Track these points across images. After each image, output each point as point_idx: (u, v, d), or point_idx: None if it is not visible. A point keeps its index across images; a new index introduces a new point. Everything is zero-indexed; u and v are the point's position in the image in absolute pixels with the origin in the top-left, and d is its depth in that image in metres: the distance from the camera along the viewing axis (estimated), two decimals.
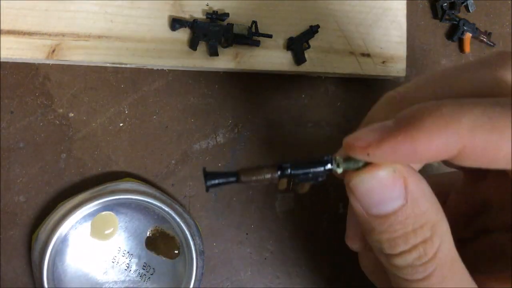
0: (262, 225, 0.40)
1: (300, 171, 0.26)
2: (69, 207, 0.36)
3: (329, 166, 0.26)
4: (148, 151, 0.39)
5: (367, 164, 0.25)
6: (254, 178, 0.25)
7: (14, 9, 0.36)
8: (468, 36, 0.43)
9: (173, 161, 0.39)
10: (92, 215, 0.36)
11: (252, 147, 0.40)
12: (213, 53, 0.38)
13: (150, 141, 0.39)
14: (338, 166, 0.26)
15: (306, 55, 0.39)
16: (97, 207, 0.36)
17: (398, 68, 0.40)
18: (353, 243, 0.34)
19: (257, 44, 0.38)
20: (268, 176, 0.26)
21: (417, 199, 0.25)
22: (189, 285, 0.36)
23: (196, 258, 0.36)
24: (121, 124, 0.39)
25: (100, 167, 0.38)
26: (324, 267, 0.41)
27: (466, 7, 0.44)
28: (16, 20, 0.36)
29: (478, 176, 0.31)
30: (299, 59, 0.39)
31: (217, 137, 0.40)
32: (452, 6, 0.43)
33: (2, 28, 0.36)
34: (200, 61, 0.38)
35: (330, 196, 0.41)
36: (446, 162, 0.29)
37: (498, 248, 0.29)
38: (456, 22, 0.43)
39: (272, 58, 0.39)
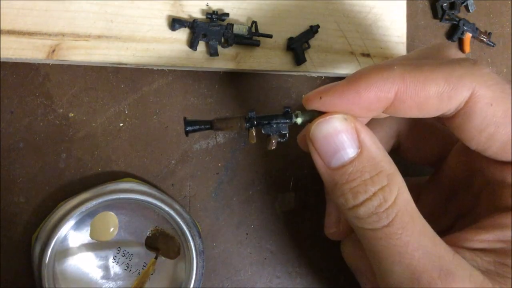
0: (262, 225, 0.40)
1: (265, 121, 0.30)
2: (69, 207, 0.35)
3: (289, 120, 0.30)
4: (148, 151, 0.39)
5: (322, 115, 0.29)
6: (225, 126, 0.30)
7: (14, 9, 0.36)
8: (468, 36, 0.43)
9: (173, 161, 0.39)
10: (92, 215, 0.36)
11: (252, 147, 0.40)
12: (213, 53, 0.38)
13: (150, 141, 0.39)
14: (296, 116, 0.30)
15: (306, 55, 0.39)
16: (97, 207, 0.36)
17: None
18: (330, 229, 0.36)
19: (257, 44, 0.38)
20: (238, 125, 0.30)
21: (370, 148, 0.28)
22: (189, 285, 0.36)
23: (196, 258, 0.36)
24: (121, 124, 0.39)
25: (100, 167, 0.38)
26: (324, 267, 0.41)
27: (466, 7, 0.44)
28: (16, 20, 0.36)
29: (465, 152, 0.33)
30: (299, 59, 0.39)
31: (217, 137, 0.40)
32: (452, 6, 0.43)
33: (2, 28, 0.36)
34: (200, 61, 0.38)
35: None
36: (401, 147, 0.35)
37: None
38: (456, 22, 0.43)
39: (272, 58, 0.39)
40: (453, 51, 0.31)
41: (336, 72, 0.40)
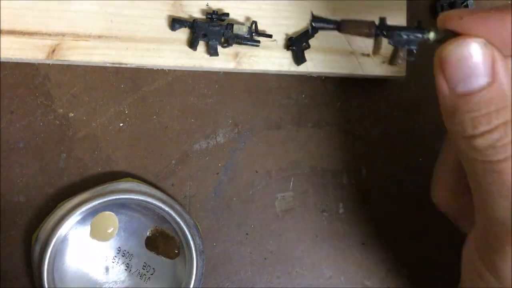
0: (262, 225, 0.40)
1: (396, 32, 0.28)
2: (69, 207, 0.36)
3: (422, 35, 0.28)
4: (148, 151, 0.39)
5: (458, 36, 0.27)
6: (353, 29, 0.29)
7: (14, 9, 0.36)
8: None
9: (173, 161, 0.39)
10: (92, 215, 0.36)
11: (252, 147, 0.40)
12: (213, 53, 0.38)
13: (150, 141, 0.39)
14: (429, 32, 0.28)
15: (306, 55, 0.39)
16: (97, 207, 0.36)
17: (398, 68, 0.40)
18: (438, 194, 0.35)
19: (257, 44, 0.38)
20: (366, 30, 0.28)
21: (503, 80, 0.26)
22: (189, 285, 0.36)
23: (196, 258, 0.36)
24: (121, 124, 0.39)
25: (100, 167, 0.38)
26: (324, 267, 0.41)
27: (466, 7, 0.44)
28: (16, 20, 0.36)
29: None
30: (299, 59, 0.39)
31: (217, 137, 0.40)
32: (452, 6, 0.43)
33: (2, 28, 0.36)
34: (200, 61, 0.38)
35: (330, 196, 0.41)
36: None
37: None
38: None
39: (272, 58, 0.39)
40: None
41: (336, 72, 0.40)
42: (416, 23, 0.28)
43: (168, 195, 0.38)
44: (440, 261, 0.41)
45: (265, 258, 0.40)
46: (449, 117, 0.28)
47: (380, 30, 0.28)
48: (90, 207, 0.35)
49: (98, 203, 0.35)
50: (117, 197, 0.36)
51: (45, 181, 0.38)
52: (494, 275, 0.28)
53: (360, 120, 0.42)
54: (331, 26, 0.29)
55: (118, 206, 0.37)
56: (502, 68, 0.27)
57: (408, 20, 0.41)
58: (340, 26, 0.29)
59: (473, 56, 0.26)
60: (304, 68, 0.39)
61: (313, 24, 0.29)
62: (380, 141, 0.42)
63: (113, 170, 0.38)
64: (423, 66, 0.42)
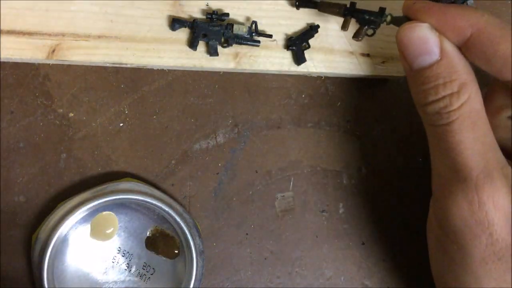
0: (262, 225, 0.40)
1: (360, 13, 0.36)
2: (69, 207, 0.36)
3: (381, 18, 0.35)
4: (148, 151, 0.39)
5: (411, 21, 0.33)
6: (328, 8, 0.37)
7: (14, 9, 0.36)
8: None
9: (173, 161, 0.39)
10: (92, 215, 0.36)
11: (252, 147, 0.40)
12: (213, 53, 0.38)
13: (150, 141, 0.39)
14: (386, 16, 0.35)
15: (306, 55, 0.39)
16: (97, 207, 0.36)
17: (398, 68, 0.40)
18: None
19: (257, 44, 0.38)
20: (337, 10, 0.36)
21: (450, 57, 0.32)
22: (189, 285, 0.36)
23: (196, 258, 0.36)
24: (121, 124, 0.39)
25: (100, 167, 0.38)
26: (324, 267, 0.41)
27: None
28: (16, 20, 0.36)
29: None
30: (299, 59, 0.39)
31: (217, 137, 0.40)
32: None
33: (2, 28, 0.36)
34: (200, 61, 0.38)
35: (330, 196, 0.41)
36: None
37: None
38: None
39: (272, 58, 0.39)
40: None
41: (336, 72, 0.40)
42: (378, 8, 0.35)
43: (168, 195, 0.38)
44: None
45: (265, 258, 0.40)
46: (411, 89, 0.34)
47: (349, 11, 0.36)
48: (90, 207, 0.35)
49: (98, 203, 0.35)
50: (117, 197, 0.36)
51: (45, 181, 0.38)
52: (445, 230, 0.33)
53: (360, 120, 0.42)
54: (311, 5, 0.38)
55: (118, 206, 0.37)
56: (449, 46, 0.32)
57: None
58: (319, 5, 0.37)
59: (421, 36, 0.32)
60: (304, 68, 0.39)
61: (296, 3, 0.38)
62: (380, 141, 0.42)
63: (113, 170, 0.38)
64: None
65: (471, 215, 0.31)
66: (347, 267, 0.41)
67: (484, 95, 0.34)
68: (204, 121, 0.40)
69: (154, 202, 0.36)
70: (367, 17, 0.36)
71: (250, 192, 0.40)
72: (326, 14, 0.39)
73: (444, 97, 0.31)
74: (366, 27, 0.36)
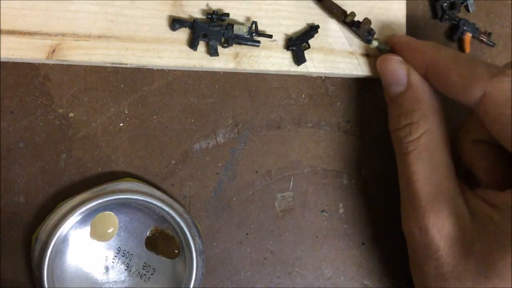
0: (262, 225, 0.40)
1: (353, 27, 0.38)
2: (69, 207, 0.36)
3: (369, 37, 0.39)
4: (148, 151, 0.39)
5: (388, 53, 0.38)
6: (330, 8, 0.38)
7: (14, 9, 0.36)
8: (468, 36, 0.43)
9: (173, 161, 0.39)
10: (92, 215, 0.36)
11: (252, 147, 0.40)
12: (213, 53, 0.38)
13: (150, 141, 0.39)
14: (374, 40, 0.39)
15: (306, 55, 0.39)
16: (97, 207, 0.36)
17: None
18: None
19: (257, 44, 0.38)
20: (339, 16, 0.39)
21: (414, 89, 0.35)
22: (189, 285, 0.36)
23: (196, 258, 0.36)
24: (121, 124, 0.39)
25: (100, 167, 0.38)
26: (324, 267, 0.41)
27: (466, 7, 0.44)
28: (16, 20, 0.36)
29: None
30: (299, 59, 0.39)
31: (217, 137, 0.40)
32: (452, 6, 0.43)
33: (2, 28, 0.36)
34: (200, 61, 0.38)
35: (330, 196, 0.41)
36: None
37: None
38: (456, 22, 0.43)
39: (272, 58, 0.39)
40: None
41: (336, 72, 0.40)
42: (372, 31, 0.39)
43: (168, 195, 0.38)
44: None
45: (265, 258, 0.40)
46: (388, 115, 0.37)
47: (345, 22, 0.38)
48: (90, 207, 0.35)
49: (98, 203, 0.35)
50: (117, 197, 0.36)
51: (45, 181, 0.38)
52: (409, 247, 0.36)
53: (360, 120, 0.42)
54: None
55: (118, 206, 0.37)
56: (415, 78, 0.36)
57: (407, 21, 0.41)
58: (324, 1, 0.39)
59: (391, 69, 0.36)
60: (304, 68, 0.39)
61: None
62: (380, 141, 0.42)
63: (113, 170, 0.38)
64: None
65: (421, 240, 0.34)
66: (347, 267, 0.41)
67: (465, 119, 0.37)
68: (204, 121, 0.40)
69: (154, 202, 0.36)
70: (358, 33, 0.39)
71: (250, 192, 0.40)
72: (326, 15, 0.39)
73: (405, 126, 0.35)
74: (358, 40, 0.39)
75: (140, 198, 0.36)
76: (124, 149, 0.39)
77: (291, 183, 0.41)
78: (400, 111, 0.35)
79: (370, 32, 0.39)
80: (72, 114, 0.38)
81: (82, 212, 0.35)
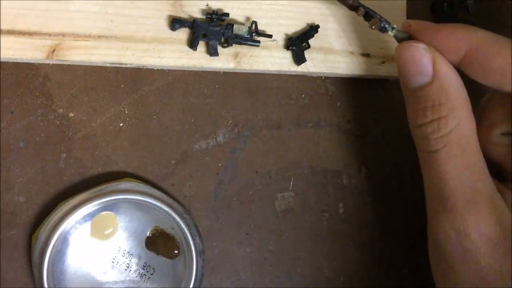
0: (262, 225, 0.40)
1: (372, 12, 0.35)
2: (69, 207, 0.36)
3: (387, 26, 0.35)
4: (148, 151, 0.39)
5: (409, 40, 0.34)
6: (367, 14, 0.35)
7: (14, 9, 0.36)
8: None
9: (173, 161, 0.39)
10: (92, 215, 0.36)
11: (252, 147, 0.40)
12: (213, 53, 0.38)
13: (150, 141, 0.39)
14: (392, 29, 0.35)
15: (306, 55, 0.39)
16: (97, 207, 0.36)
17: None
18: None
19: (257, 44, 0.38)
20: (350, 2, 0.36)
21: (441, 80, 0.31)
22: (189, 285, 0.36)
23: (196, 258, 0.37)
24: (121, 124, 0.39)
25: (100, 167, 0.38)
26: (324, 267, 0.41)
27: (466, 7, 0.44)
28: (16, 20, 0.36)
29: None
30: (299, 59, 0.39)
31: (217, 137, 0.40)
32: (452, 6, 0.43)
33: (2, 28, 0.36)
34: (200, 61, 0.38)
35: (330, 196, 0.41)
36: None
37: None
38: (456, 22, 0.43)
39: (272, 58, 0.39)
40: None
41: (336, 72, 0.40)
42: (389, 20, 0.35)
43: (168, 195, 0.38)
44: None
45: (265, 258, 0.40)
46: (407, 109, 0.34)
47: (362, 6, 0.35)
48: (90, 207, 0.35)
49: (98, 203, 0.35)
50: (117, 197, 0.36)
51: (45, 181, 0.38)
52: (440, 251, 0.33)
53: (360, 120, 0.42)
54: (349, 1, 0.36)
55: (118, 206, 0.37)
56: (443, 67, 0.32)
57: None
58: (358, 6, 0.35)
59: (415, 56, 0.32)
60: (304, 68, 0.39)
61: None
62: (380, 141, 0.42)
63: (113, 170, 0.38)
64: None
65: (459, 243, 0.31)
66: (347, 267, 0.41)
67: (477, 113, 0.34)
68: (204, 121, 0.40)
69: (154, 202, 0.36)
70: (378, 16, 0.35)
71: (250, 192, 0.40)
72: (327, 14, 0.39)
73: (432, 120, 0.31)
74: (377, 28, 0.35)
75: (140, 198, 0.36)
76: (124, 149, 0.39)
77: (291, 183, 0.41)
78: (425, 105, 0.32)
79: (388, 22, 0.35)
80: (72, 114, 0.38)
81: (82, 212, 0.35)
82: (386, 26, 0.34)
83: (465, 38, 0.32)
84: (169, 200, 0.37)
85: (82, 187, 0.37)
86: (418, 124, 0.32)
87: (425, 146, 0.32)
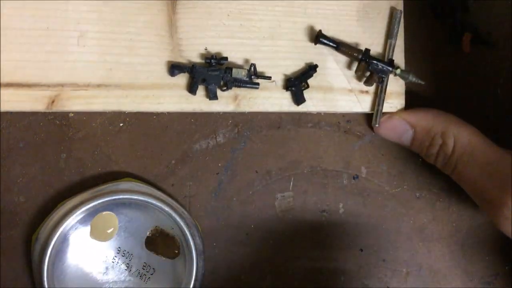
0: (262, 225, 0.40)
1: (374, 61, 0.38)
2: (69, 207, 0.36)
3: (391, 69, 0.39)
4: (148, 151, 0.39)
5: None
6: (347, 51, 0.39)
7: (13, 61, 0.36)
8: (468, 36, 0.43)
9: (173, 161, 0.39)
10: (92, 215, 0.36)
11: (252, 147, 0.40)
12: (213, 97, 0.38)
13: (150, 141, 0.39)
14: (397, 68, 0.39)
15: (306, 94, 0.39)
16: (97, 207, 0.36)
17: (397, 103, 0.40)
18: None
19: (256, 86, 0.38)
20: (355, 55, 0.39)
21: (419, 123, 0.38)
22: (189, 285, 0.36)
23: (196, 258, 0.37)
24: (121, 124, 0.39)
25: (100, 167, 0.38)
26: (325, 267, 0.41)
27: (466, 7, 0.44)
28: (15, 72, 0.36)
29: None
30: (298, 99, 0.39)
31: (217, 137, 0.40)
32: (452, 6, 0.43)
33: (1, 81, 0.36)
34: (199, 105, 0.38)
35: (330, 196, 0.41)
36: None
37: None
38: (456, 22, 0.43)
39: (271, 99, 0.39)
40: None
41: (335, 110, 0.40)
42: (388, 60, 0.39)
43: (168, 195, 0.38)
44: (440, 260, 0.41)
45: (265, 258, 0.40)
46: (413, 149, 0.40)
47: (364, 58, 0.38)
48: (90, 207, 0.35)
49: (98, 203, 0.35)
50: (117, 197, 0.36)
51: (45, 181, 0.38)
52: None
53: (360, 120, 0.42)
54: (332, 44, 0.39)
55: (118, 206, 0.37)
56: (413, 118, 0.38)
57: (407, 21, 0.41)
58: (339, 45, 0.38)
59: (393, 125, 0.39)
60: (304, 108, 0.39)
61: (318, 39, 0.38)
62: (380, 141, 0.42)
63: (113, 170, 0.38)
64: (423, 66, 0.42)
65: None
66: (347, 267, 0.41)
67: None
68: (204, 121, 0.40)
69: (154, 202, 0.36)
70: (380, 66, 0.38)
71: (250, 192, 0.40)
72: (325, 53, 0.39)
73: (438, 152, 0.37)
74: (379, 74, 0.38)
75: (140, 198, 0.36)
76: (124, 149, 0.39)
77: (291, 183, 0.41)
78: (425, 147, 0.38)
79: (391, 61, 0.39)
80: (72, 114, 0.38)
81: (82, 212, 0.35)
82: (389, 69, 0.39)
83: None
84: (169, 200, 0.37)
85: (82, 187, 0.37)
86: (433, 161, 0.38)
87: (447, 170, 0.37)
